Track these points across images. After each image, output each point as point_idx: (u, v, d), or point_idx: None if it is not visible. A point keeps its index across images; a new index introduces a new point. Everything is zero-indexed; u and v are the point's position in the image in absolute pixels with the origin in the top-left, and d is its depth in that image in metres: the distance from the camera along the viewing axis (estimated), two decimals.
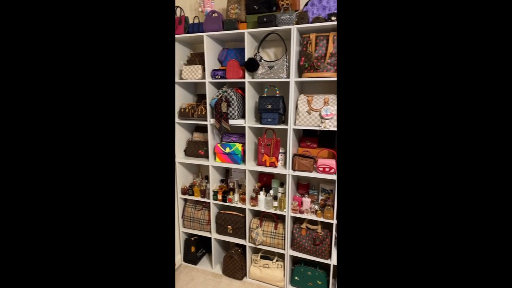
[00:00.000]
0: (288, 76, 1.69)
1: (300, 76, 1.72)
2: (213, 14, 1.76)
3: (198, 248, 2.25)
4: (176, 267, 2.22)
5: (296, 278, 1.91)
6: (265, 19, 1.64)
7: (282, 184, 1.90)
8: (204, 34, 1.79)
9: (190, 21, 1.96)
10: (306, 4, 1.69)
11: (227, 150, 1.91)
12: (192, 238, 2.23)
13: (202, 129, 2.21)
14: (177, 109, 2.05)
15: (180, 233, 2.24)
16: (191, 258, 2.24)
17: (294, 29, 1.58)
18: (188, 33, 1.87)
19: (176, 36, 1.88)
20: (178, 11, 1.92)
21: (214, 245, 2.15)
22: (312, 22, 1.57)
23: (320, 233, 1.78)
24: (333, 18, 1.51)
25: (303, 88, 1.92)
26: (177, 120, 2.05)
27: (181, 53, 2.05)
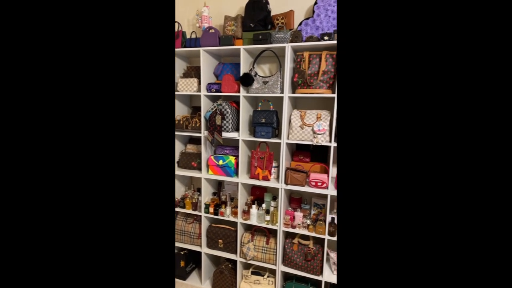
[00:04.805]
0: (282, 92, 1.73)
1: (293, 92, 1.76)
2: (210, 30, 1.82)
3: (187, 263, 2.20)
4: None
5: None
6: (260, 37, 1.70)
7: (275, 198, 1.90)
8: (201, 48, 1.84)
9: (188, 36, 2.01)
10: (300, 24, 1.76)
11: (220, 162, 1.91)
12: (182, 252, 2.18)
13: (196, 141, 2.22)
14: None
15: None
16: (180, 273, 2.18)
17: (288, 47, 1.64)
18: (185, 47, 1.92)
19: None
20: (176, 26, 1.97)
21: (204, 260, 2.10)
22: (305, 41, 1.63)
23: (312, 248, 1.77)
24: (326, 37, 1.57)
25: (296, 103, 1.96)
26: None
27: (177, 66, 2.08)
